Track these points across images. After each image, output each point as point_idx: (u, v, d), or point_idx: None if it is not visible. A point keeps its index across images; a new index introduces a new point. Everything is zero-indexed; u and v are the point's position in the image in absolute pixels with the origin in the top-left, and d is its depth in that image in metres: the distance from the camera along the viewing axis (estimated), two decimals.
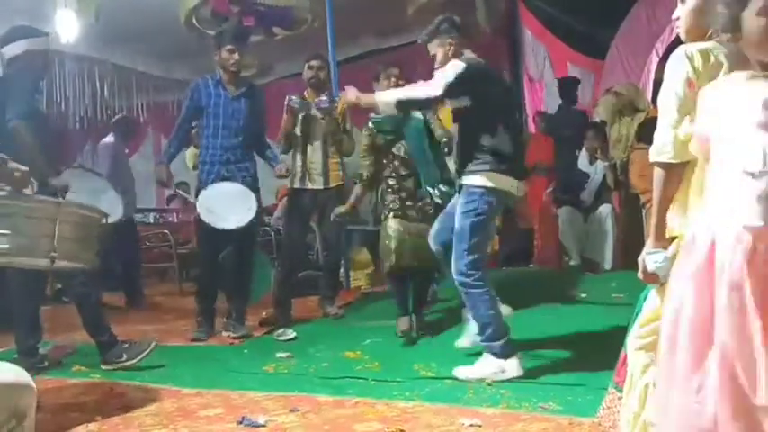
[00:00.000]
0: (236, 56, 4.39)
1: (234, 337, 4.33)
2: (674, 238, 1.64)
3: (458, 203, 3.19)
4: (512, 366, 2.99)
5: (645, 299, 1.79)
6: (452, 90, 3.08)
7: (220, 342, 4.32)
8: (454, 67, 3.10)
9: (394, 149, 4.00)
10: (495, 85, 3.30)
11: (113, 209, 3.59)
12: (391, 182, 4.01)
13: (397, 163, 4.01)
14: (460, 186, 3.20)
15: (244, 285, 4.54)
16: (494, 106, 3.18)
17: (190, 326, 4.59)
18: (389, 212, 3.93)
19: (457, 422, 2.41)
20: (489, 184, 3.09)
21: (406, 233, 3.82)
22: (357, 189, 4.27)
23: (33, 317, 3.68)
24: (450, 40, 3.25)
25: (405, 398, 2.77)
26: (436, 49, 3.28)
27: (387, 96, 3.21)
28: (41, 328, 3.76)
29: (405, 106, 3.21)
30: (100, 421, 2.71)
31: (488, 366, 3.01)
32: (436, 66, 3.27)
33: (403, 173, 3.99)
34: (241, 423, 2.56)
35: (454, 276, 3.13)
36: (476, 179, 3.11)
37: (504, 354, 3.02)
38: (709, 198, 1.48)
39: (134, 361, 3.52)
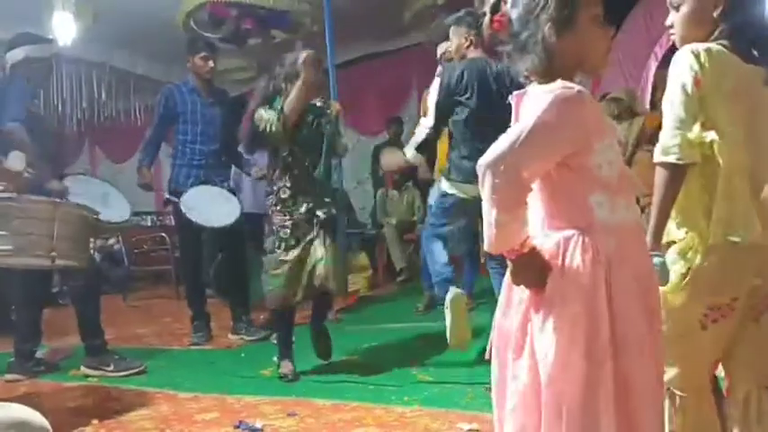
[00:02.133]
0: (210, 63, 4.41)
1: (250, 340, 4.33)
2: (670, 243, 1.63)
3: None
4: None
5: None
6: (439, 119, 3.39)
7: (217, 346, 4.31)
8: (433, 97, 3.44)
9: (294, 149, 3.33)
10: (480, 93, 3.25)
11: (121, 210, 3.61)
12: (283, 195, 3.32)
13: (296, 172, 3.34)
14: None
15: (242, 287, 4.54)
16: (472, 116, 3.23)
17: (187, 329, 4.58)
18: (280, 243, 3.28)
19: (455, 427, 2.40)
20: (451, 191, 3.33)
21: (298, 266, 3.25)
22: None
23: (34, 321, 3.69)
24: (466, 34, 3.35)
25: (403, 402, 2.77)
26: (453, 36, 3.41)
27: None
28: (41, 333, 3.76)
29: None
30: (97, 425, 2.71)
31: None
32: (451, 48, 3.50)
33: (299, 185, 3.33)
34: (238, 427, 2.56)
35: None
36: (442, 183, 3.42)
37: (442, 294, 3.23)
38: None
39: (118, 374, 3.51)
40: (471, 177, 3.24)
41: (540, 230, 1.34)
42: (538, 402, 1.27)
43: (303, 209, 3.31)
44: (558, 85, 1.28)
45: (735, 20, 1.61)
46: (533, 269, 1.28)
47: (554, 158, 1.29)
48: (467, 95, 3.22)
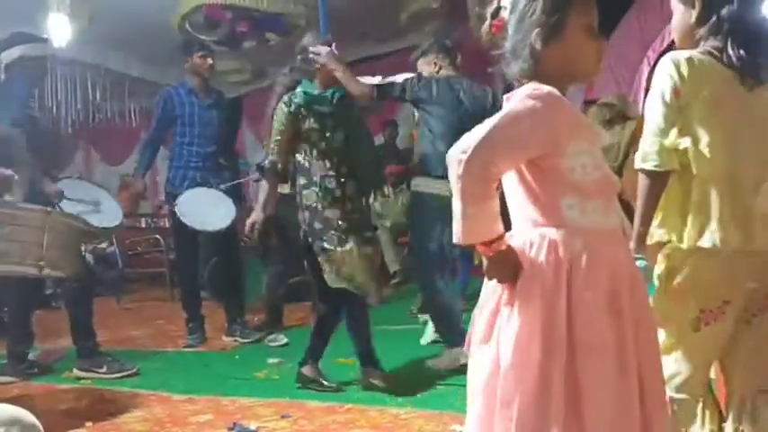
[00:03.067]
0: (209, 61, 4.41)
1: (245, 342, 4.32)
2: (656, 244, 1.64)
3: None
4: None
5: None
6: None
7: (211, 348, 4.31)
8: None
9: (327, 135, 3.03)
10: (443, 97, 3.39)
11: (113, 216, 3.60)
12: (330, 185, 3.00)
13: (336, 159, 3.03)
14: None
15: (238, 289, 4.54)
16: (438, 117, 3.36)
17: (181, 331, 4.57)
18: (341, 234, 2.96)
19: (449, 428, 2.40)
20: (418, 189, 3.40)
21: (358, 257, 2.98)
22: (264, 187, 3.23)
23: (26, 323, 3.68)
24: (435, 60, 3.55)
25: (396, 404, 2.77)
26: (423, 67, 3.59)
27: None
28: (33, 335, 3.75)
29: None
30: (90, 427, 2.71)
31: (446, 357, 3.26)
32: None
33: (343, 172, 3.04)
34: (232, 429, 2.56)
35: None
36: (413, 183, 3.50)
37: (456, 343, 3.17)
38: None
39: (111, 376, 3.50)
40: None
41: (516, 228, 1.36)
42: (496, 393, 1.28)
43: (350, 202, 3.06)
44: (531, 86, 1.31)
45: (711, 25, 1.62)
46: (507, 265, 1.30)
47: (521, 155, 1.30)
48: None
